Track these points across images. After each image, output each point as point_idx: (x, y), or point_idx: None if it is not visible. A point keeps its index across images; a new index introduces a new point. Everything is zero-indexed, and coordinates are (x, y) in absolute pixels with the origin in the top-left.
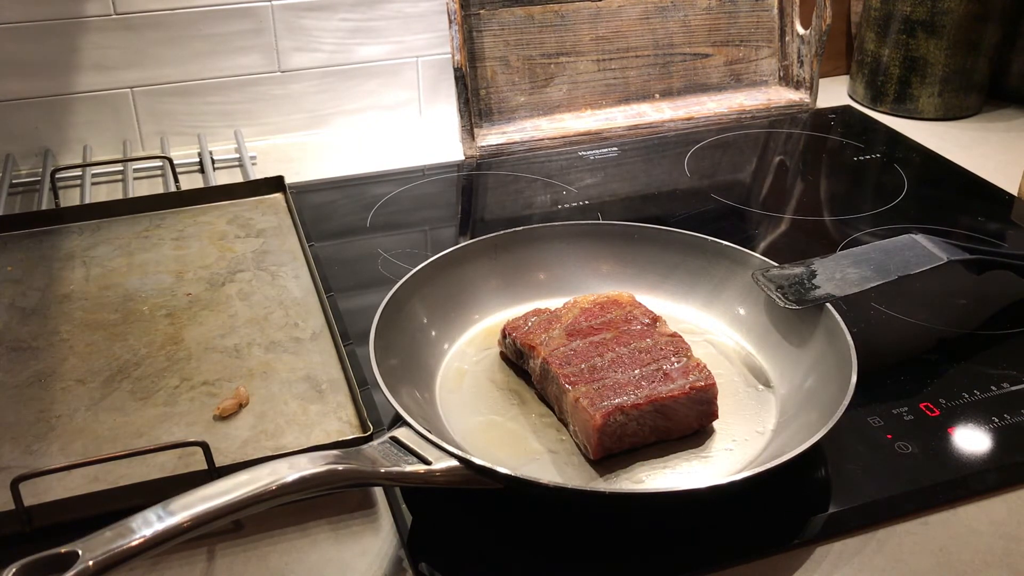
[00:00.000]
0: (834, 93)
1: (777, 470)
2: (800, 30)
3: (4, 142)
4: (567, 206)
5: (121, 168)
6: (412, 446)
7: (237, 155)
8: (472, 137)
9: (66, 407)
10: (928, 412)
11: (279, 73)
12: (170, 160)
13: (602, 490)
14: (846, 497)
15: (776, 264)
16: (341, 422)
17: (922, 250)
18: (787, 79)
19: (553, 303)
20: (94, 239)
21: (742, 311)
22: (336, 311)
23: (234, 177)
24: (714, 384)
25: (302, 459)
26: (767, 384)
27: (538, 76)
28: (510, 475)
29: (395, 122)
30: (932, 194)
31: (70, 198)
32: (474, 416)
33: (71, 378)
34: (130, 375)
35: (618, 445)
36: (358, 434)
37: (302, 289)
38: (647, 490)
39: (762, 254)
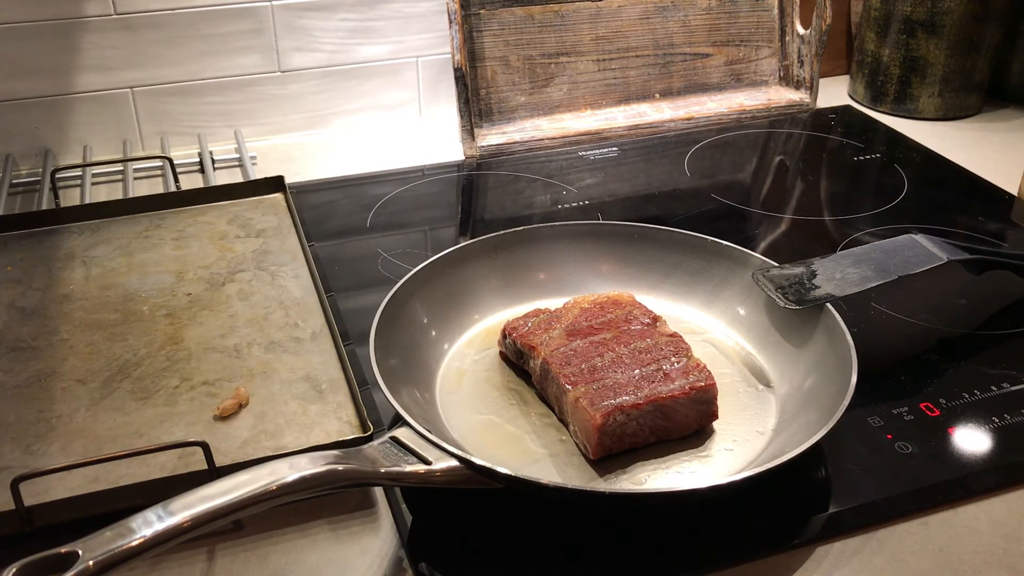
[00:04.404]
0: (834, 93)
1: (777, 470)
2: (800, 30)
3: (4, 142)
4: (567, 206)
5: (121, 168)
6: (412, 446)
7: (237, 155)
8: (472, 137)
9: (66, 407)
10: (928, 412)
11: (279, 73)
12: (170, 160)
13: (602, 490)
14: (846, 497)
15: (776, 264)
16: (341, 422)
17: (922, 250)
18: (787, 79)
19: (553, 303)
20: (94, 239)
21: (742, 311)
22: (336, 311)
23: (234, 177)
24: (714, 384)
25: (302, 459)
26: (767, 384)
27: (538, 76)
28: (510, 475)
29: (395, 122)
30: (932, 194)
31: (70, 198)
32: (474, 416)
33: (71, 378)
34: (130, 375)
35: (618, 445)
36: (358, 434)
37: (302, 289)
38: (647, 490)
39: (762, 254)
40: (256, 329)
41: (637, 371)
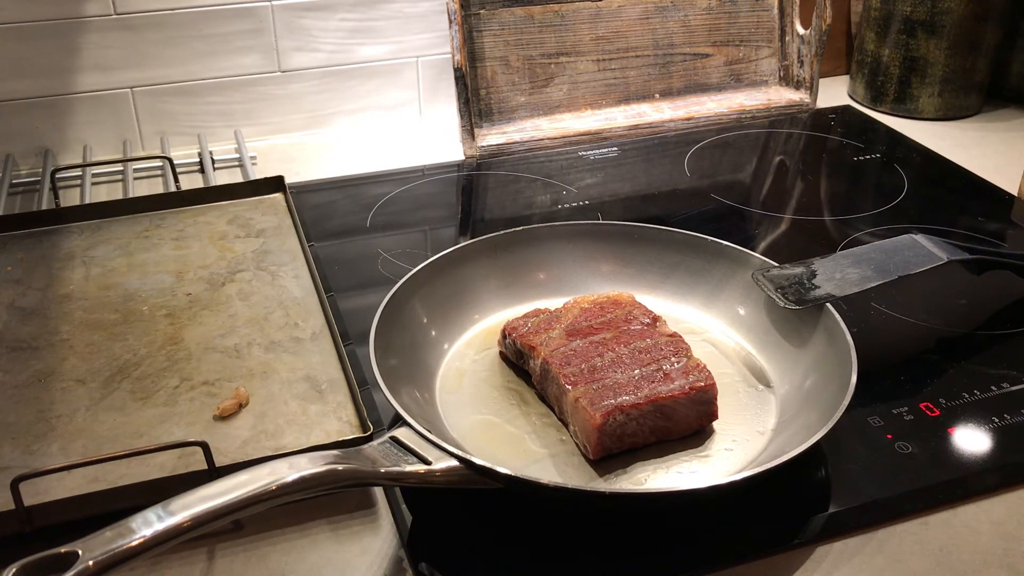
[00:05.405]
0: (834, 93)
1: (777, 470)
2: (800, 30)
3: (4, 142)
4: (567, 206)
5: (121, 168)
6: (412, 446)
7: (237, 155)
8: (472, 137)
9: (66, 407)
10: (928, 412)
11: (279, 73)
12: (170, 160)
13: (602, 490)
14: (846, 497)
15: (776, 264)
16: (341, 422)
17: (922, 250)
18: (787, 79)
19: (553, 303)
20: (94, 239)
21: (742, 311)
22: (336, 311)
23: (234, 177)
24: (714, 384)
25: (302, 459)
26: (767, 384)
27: (538, 76)
28: (510, 475)
29: (395, 122)
30: (932, 194)
31: (70, 198)
32: (474, 416)
33: (71, 378)
34: (130, 375)
35: (618, 445)
36: (358, 434)
37: (302, 289)
38: (647, 490)
39: (762, 254)
40: (256, 329)
41: (637, 371)
